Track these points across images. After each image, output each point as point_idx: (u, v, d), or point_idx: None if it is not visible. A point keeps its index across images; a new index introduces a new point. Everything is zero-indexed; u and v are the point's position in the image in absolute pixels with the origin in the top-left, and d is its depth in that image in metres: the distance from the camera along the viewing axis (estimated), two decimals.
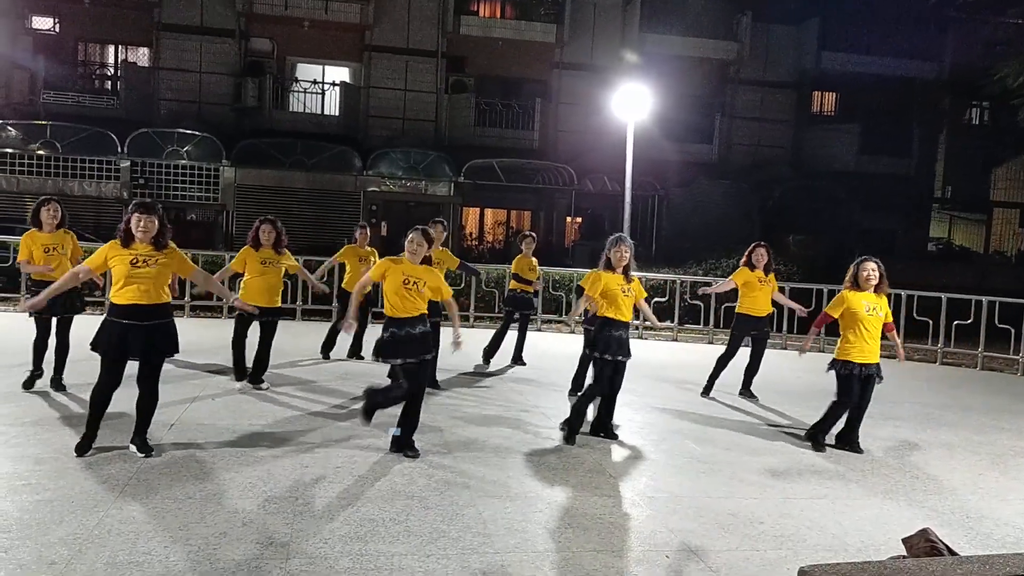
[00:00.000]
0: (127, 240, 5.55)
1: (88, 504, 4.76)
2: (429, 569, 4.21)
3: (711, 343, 14.41)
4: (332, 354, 10.24)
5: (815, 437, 7.19)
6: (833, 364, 7.10)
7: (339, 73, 24.99)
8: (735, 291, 9.44)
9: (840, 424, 7.22)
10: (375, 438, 6.46)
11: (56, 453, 5.66)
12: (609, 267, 6.92)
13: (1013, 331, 13.01)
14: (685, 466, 6.39)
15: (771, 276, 9.17)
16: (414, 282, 5.94)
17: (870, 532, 5.15)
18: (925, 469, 6.76)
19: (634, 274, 8.31)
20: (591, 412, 7.25)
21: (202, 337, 10.89)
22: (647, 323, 8.86)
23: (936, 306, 13.39)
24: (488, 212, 25.71)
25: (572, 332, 7.40)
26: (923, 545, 3.00)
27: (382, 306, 6.19)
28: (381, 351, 5.93)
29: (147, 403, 5.73)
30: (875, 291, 7.06)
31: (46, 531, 4.37)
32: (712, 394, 9.39)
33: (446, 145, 24.05)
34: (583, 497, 5.51)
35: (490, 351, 10.41)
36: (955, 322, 13.33)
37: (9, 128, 20.67)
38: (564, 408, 8.22)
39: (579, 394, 7.04)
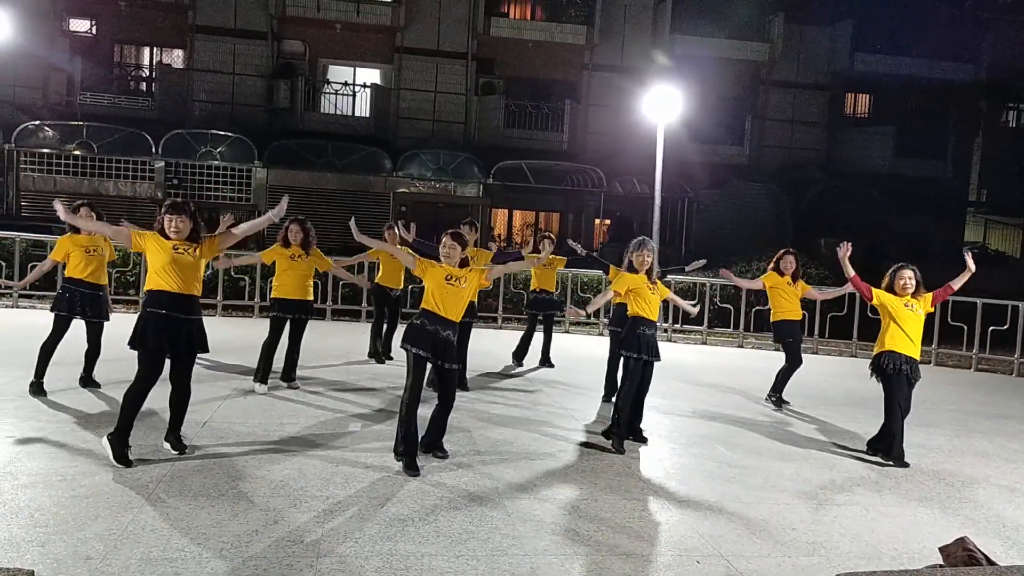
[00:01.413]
0: (164, 236, 5.63)
1: (123, 501, 4.82)
2: (459, 570, 4.21)
3: (740, 347, 14.31)
4: (359, 355, 10.30)
5: (894, 454, 6.87)
6: (876, 361, 6.93)
7: (370, 75, 25.15)
8: (765, 296, 9.35)
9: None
10: None
11: (92, 449, 5.74)
12: (632, 270, 6.94)
13: None
14: (715, 471, 6.34)
15: (800, 282, 9.02)
16: (456, 279, 5.88)
17: (904, 540, 5.08)
18: (960, 476, 6.66)
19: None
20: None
21: (233, 336, 10.99)
22: (675, 325, 8.80)
23: (971, 311, 13.17)
24: (517, 214, 25.73)
25: (601, 333, 7.40)
26: (961, 554, 2.96)
27: (412, 306, 6.20)
28: (405, 335, 5.86)
29: (181, 399, 5.76)
30: (913, 297, 6.99)
31: (82, 527, 4.43)
32: (746, 399, 9.33)
33: (475, 146, 24.11)
34: (612, 501, 5.49)
35: (519, 353, 10.53)
36: (991, 327, 13.12)
37: (46, 128, 21.03)
38: (593, 411, 8.21)
39: (615, 400, 7.05)
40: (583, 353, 11.92)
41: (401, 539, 4.56)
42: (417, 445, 5.86)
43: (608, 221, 25.36)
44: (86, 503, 4.75)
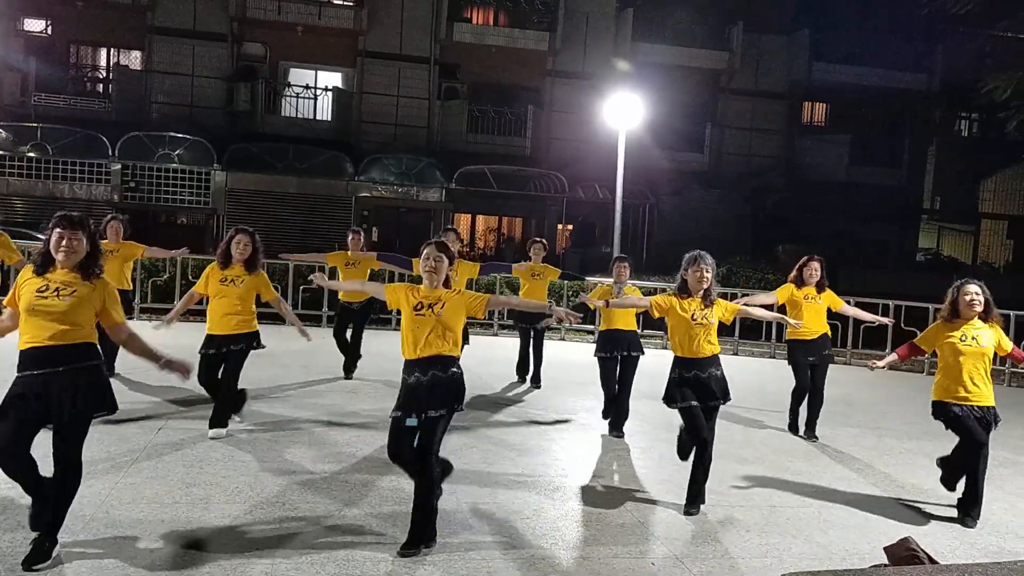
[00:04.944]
0: (44, 265, 4.19)
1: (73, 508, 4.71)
2: (415, 573, 4.22)
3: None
4: (320, 369, 10.18)
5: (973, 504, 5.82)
6: (934, 409, 5.92)
7: (332, 78, 25.01)
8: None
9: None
10: (357, 450, 6.45)
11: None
12: (684, 291, 5.63)
13: None
14: (674, 475, 6.37)
15: (827, 294, 8.06)
16: (428, 305, 4.60)
17: (855, 541, 5.18)
18: (911, 479, 6.80)
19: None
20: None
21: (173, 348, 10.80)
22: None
23: (924, 316, 13.38)
24: (480, 218, 25.75)
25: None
26: (904, 554, 3.04)
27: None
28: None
29: (61, 486, 4.15)
30: (982, 319, 5.84)
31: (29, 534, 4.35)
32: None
33: (438, 151, 24.09)
34: (570, 506, 5.53)
35: (521, 368, 9.79)
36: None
37: None
38: (561, 422, 8.23)
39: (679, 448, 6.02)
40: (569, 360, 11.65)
41: (358, 545, 4.55)
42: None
43: (570, 226, 25.48)
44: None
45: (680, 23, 26.13)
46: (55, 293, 4.11)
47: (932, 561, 3.02)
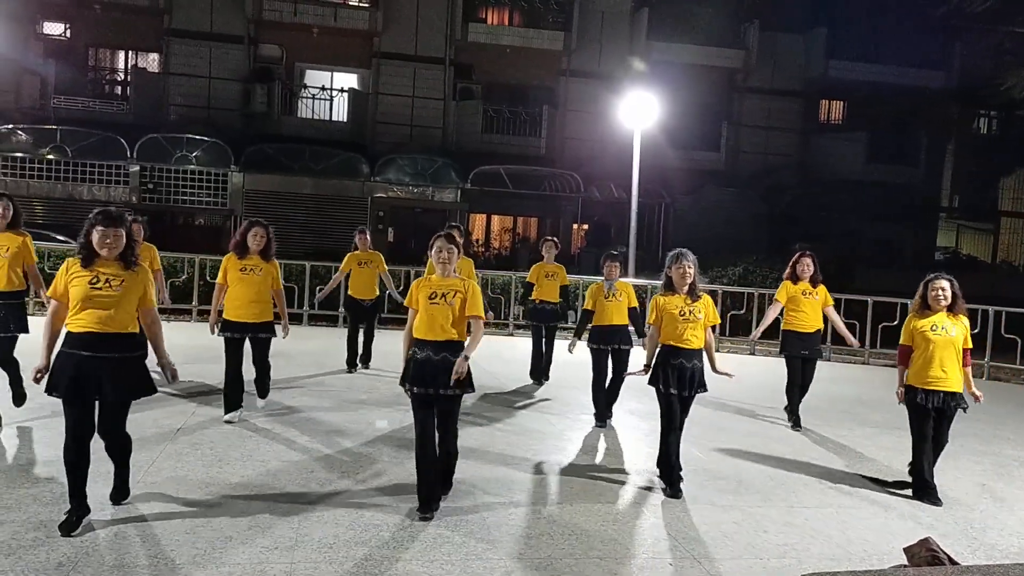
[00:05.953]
0: (88, 258, 4.60)
1: (96, 507, 4.77)
2: (433, 574, 4.24)
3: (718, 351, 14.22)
4: (334, 363, 10.24)
5: (923, 489, 6.18)
6: (904, 393, 6.31)
7: (347, 79, 25.10)
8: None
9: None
10: (379, 451, 6.48)
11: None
12: (670, 288, 6.01)
13: (1020, 341, 12.92)
14: (689, 474, 6.36)
15: (821, 288, 8.28)
16: (442, 295, 5.06)
17: (874, 541, 5.16)
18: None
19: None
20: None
21: (195, 347, 10.89)
22: (721, 336, 6.72)
23: None
24: (495, 218, 25.76)
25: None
26: (924, 554, 3.02)
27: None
28: (403, 371, 5.23)
29: (117, 451, 4.85)
30: (949, 312, 6.20)
31: (52, 532, 4.40)
32: (746, 405, 9.31)
33: (453, 151, 24.12)
34: (586, 506, 5.53)
35: (535, 371, 9.90)
36: None
37: (19, 132, 20.81)
38: (574, 423, 8.24)
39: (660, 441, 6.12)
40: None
41: (376, 544, 4.57)
42: (431, 485, 5.14)
43: (586, 226, 25.45)
44: (59, 508, 4.71)
45: (696, 22, 26.04)
46: (107, 283, 4.56)
47: (952, 562, 3.01)
